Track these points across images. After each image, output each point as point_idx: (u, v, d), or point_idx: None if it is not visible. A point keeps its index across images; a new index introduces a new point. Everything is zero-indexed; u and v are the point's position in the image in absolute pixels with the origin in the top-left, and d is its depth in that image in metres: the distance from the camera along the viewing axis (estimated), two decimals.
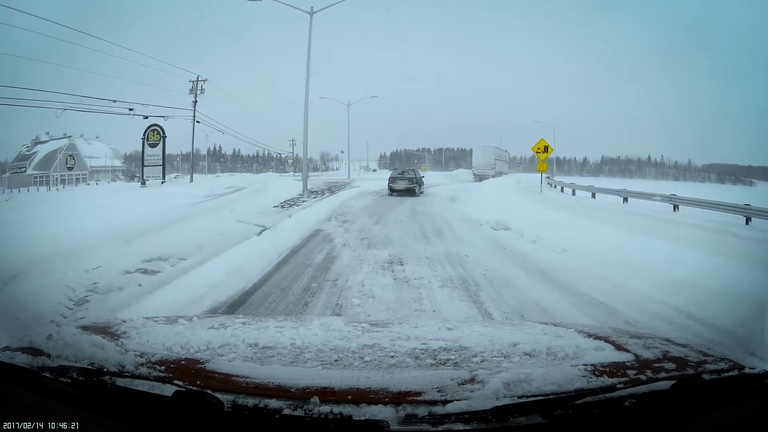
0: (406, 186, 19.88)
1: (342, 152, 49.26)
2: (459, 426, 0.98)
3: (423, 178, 22.09)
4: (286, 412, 1.00)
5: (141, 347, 1.31)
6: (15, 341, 1.32)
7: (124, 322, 1.55)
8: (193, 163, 29.84)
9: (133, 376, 1.12)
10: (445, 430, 0.98)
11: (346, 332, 1.54)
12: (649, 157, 47.42)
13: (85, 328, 1.46)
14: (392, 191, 19.84)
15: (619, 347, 1.36)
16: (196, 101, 26.10)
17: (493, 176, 32.60)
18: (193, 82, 26.34)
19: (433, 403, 1.02)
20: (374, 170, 54.62)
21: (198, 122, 25.99)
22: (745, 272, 5.38)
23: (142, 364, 1.17)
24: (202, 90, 26.26)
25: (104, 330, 1.47)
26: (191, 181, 25.58)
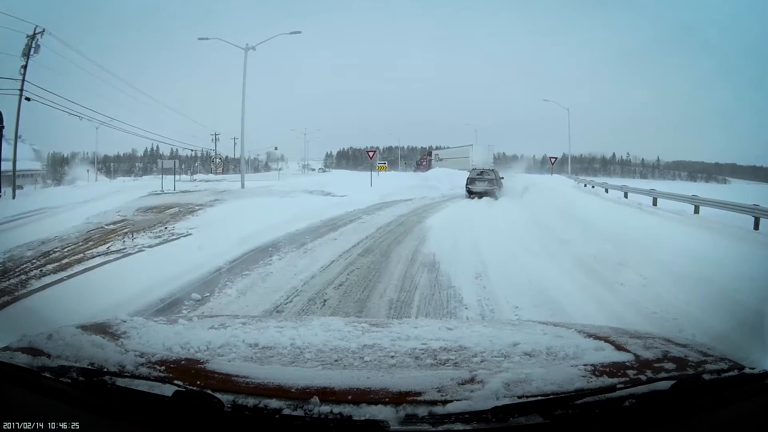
0: (485, 188, 17.98)
1: (276, 149, 41.32)
2: (459, 426, 0.98)
3: (503, 180, 19.73)
4: (286, 412, 1.00)
5: (141, 347, 1.31)
6: (15, 341, 1.32)
7: (124, 322, 1.55)
8: (15, 165, 19.79)
9: (133, 376, 1.12)
10: (445, 430, 0.98)
11: (346, 332, 1.54)
12: (614, 155, 46.69)
13: (85, 328, 1.46)
14: (471, 194, 17.92)
15: (619, 347, 1.36)
16: (26, 65, 17.15)
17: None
18: (29, 36, 17.21)
19: (433, 403, 1.02)
20: (314, 170, 43.37)
21: (28, 99, 16.75)
22: None
23: (142, 364, 1.17)
24: (37, 48, 17.50)
25: (104, 330, 1.47)
26: (14, 197, 16.93)
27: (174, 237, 8.66)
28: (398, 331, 1.58)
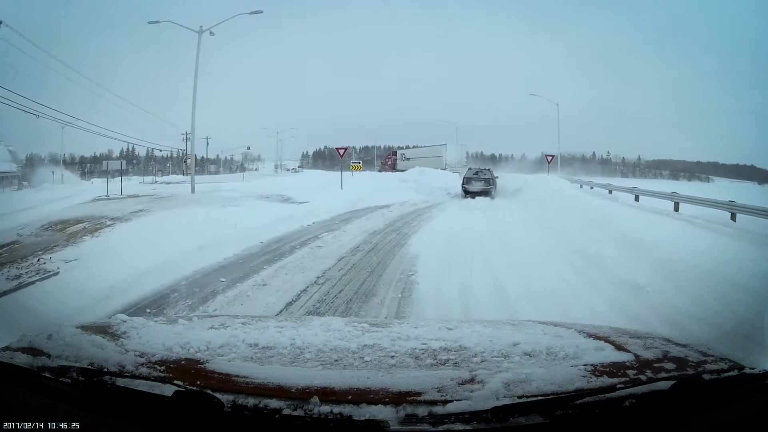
0: (482, 187, 18.14)
1: (248, 148, 41.47)
2: (459, 426, 0.98)
3: (497, 179, 19.66)
4: (286, 412, 1.00)
5: (141, 347, 1.31)
6: (15, 341, 1.32)
7: (124, 322, 1.56)
8: None
9: (133, 376, 1.12)
10: (445, 430, 0.98)
11: (346, 332, 1.54)
12: (594, 154, 46.33)
13: (85, 328, 1.46)
14: (467, 193, 18.07)
15: (619, 347, 1.36)
16: None
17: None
18: None
19: (433, 403, 1.02)
20: (289, 170, 41.94)
21: None
22: None
23: (142, 364, 1.17)
24: None
25: (104, 330, 1.47)
26: None
27: (32, 279, 5.69)
28: (398, 331, 1.58)
